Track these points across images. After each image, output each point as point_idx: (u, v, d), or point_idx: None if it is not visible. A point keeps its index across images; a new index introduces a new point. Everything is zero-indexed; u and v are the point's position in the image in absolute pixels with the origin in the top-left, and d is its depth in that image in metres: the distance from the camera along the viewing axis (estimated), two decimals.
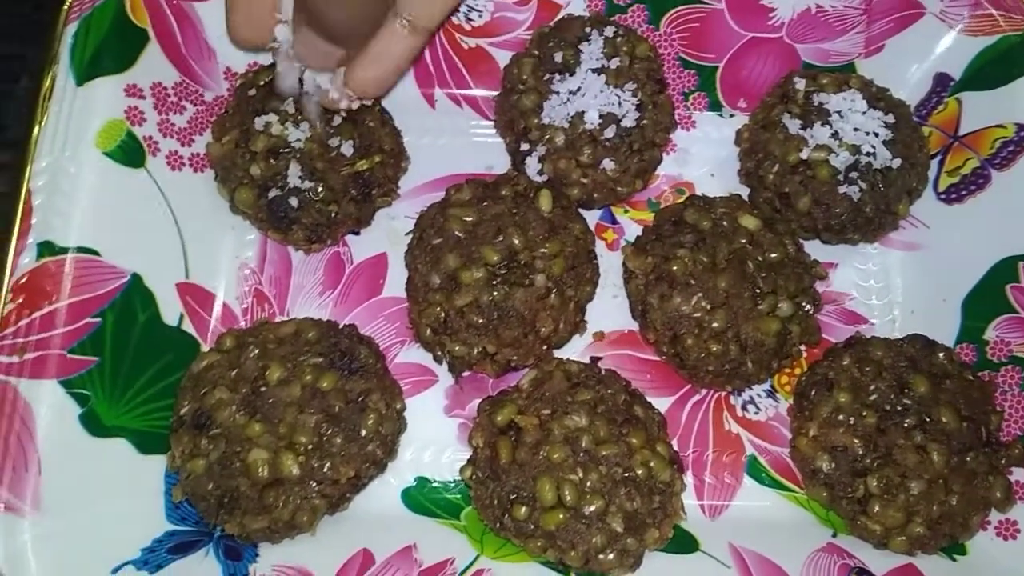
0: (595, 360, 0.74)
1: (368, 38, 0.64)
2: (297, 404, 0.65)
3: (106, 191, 0.69)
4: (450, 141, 0.83)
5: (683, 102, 0.84)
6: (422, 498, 0.71)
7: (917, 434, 0.66)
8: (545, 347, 0.72)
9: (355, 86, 0.65)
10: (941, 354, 0.70)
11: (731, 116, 0.85)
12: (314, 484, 0.64)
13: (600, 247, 0.79)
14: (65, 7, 0.71)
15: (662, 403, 0.74)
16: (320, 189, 0.71)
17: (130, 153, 0.71)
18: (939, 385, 0.68)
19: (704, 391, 0.75)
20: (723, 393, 0.75)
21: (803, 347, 0.74)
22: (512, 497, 0.64)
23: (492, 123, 0.82)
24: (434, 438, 0.73)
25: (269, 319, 0.75)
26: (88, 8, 0.71)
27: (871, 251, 0.80)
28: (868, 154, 0.74)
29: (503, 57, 0.81)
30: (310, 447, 0.64)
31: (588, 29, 0.77)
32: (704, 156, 0.84)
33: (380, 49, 0.63)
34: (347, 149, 0.72)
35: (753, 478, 0.73)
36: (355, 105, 0.68)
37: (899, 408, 0.67)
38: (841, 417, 0.68)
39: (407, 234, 0.75)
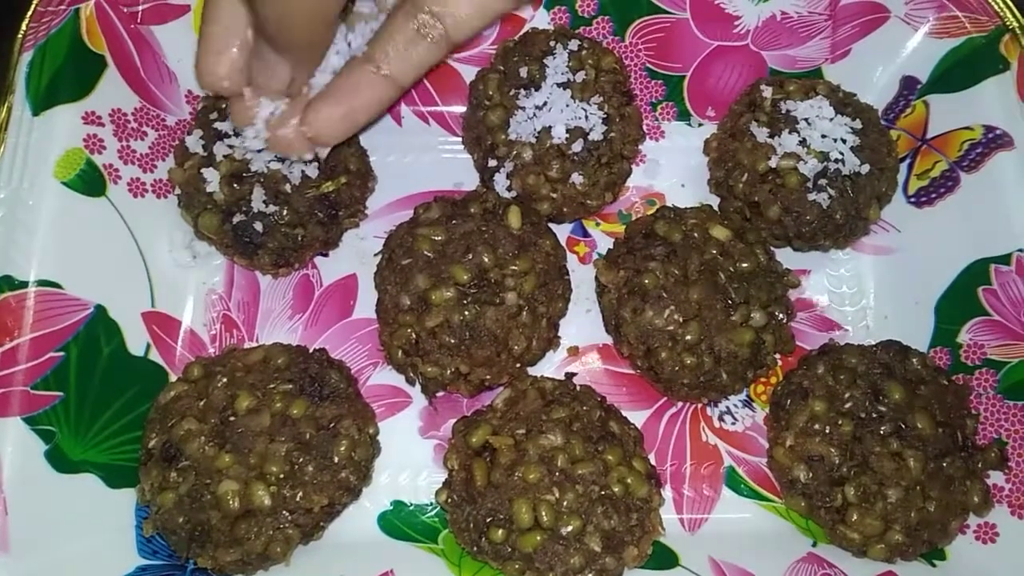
0: (570, 376, 0.73)
1: (316, 47, 0.62)
2: (267, 433, 0.64)
3: (66, 222, 0.68)
4: (418, 159, 0.82)
5: (651, 112, 0.84)
6: (399, 522, 0.70)
7: (893, 441, 0.66)
8: (519, 365, 0.72)
9: (314, 125, 0.62)
10: (915, 359, 0.70)
11: (700, 125, 0.85)
12: (287, 514, 0.63)
13: (572, 261, 0.79)
14: (20, 36, 0.70)
15: (639, 416, 0.74)
16: (285, 212, 0.71)
17: (90, 182, 0.70)
18: (914, 391, 0.68)
19: (680, 403, 0.75)
20: (700, 405, 0.75)
21: (778, 356, 0.74)
22: (488, 520, 0.63)
23: (460, 139, 0.81)
24: (410, 461, 0.72)
25: (238, 345, 0.74)
26: (43, 36, 0.70)
27: (843, 257, 0.80)
28: (836, 160, 0.73)
29: (469, 73, 0.80)
30: (281, 476, 0.63)
31: (552, 43, 0.76)
32: (674, 166, 0.83)
33: (344, 86, 0.61)
34: (312, 171, 0.71)
35: (732, 489, 0.72)
36: (307, 155, 0.67)
37: (874, 415, 0.67)
38: (817, 426, 0.67)
39: (376, 254, 0.74)
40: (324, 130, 0.62)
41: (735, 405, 0.75)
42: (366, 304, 0.75)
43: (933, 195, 0.77)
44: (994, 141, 0.74)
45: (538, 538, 0.62)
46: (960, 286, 0.73)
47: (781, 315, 0.72)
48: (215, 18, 0.61)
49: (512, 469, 0.64)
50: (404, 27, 0.58)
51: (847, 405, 0.68)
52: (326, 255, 0.78)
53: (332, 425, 0.66)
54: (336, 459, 0.65)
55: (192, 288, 0.76)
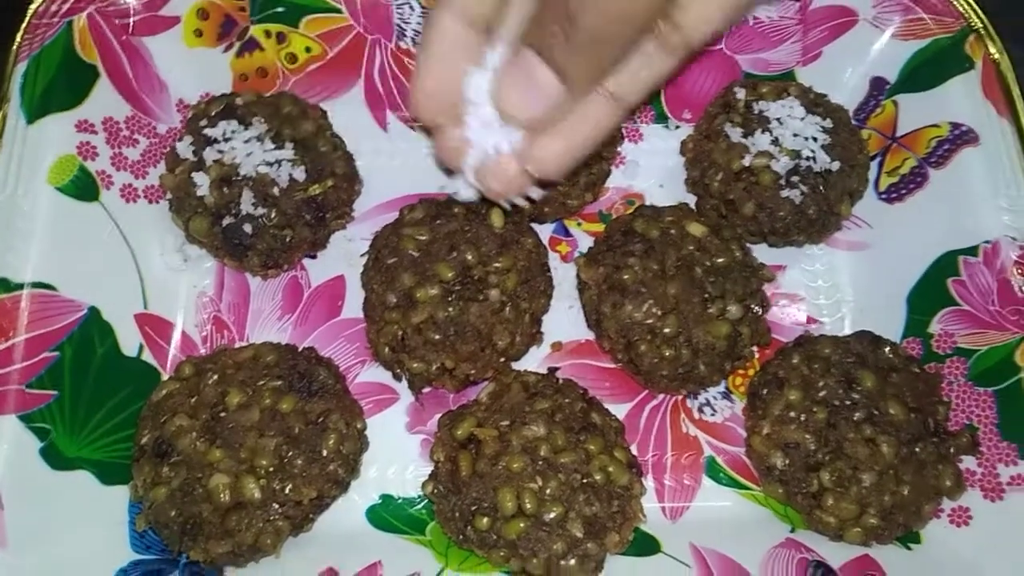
0: (552, 371, 0.75)
1: (618, 59, 0.51)
2: (257, 428, 0.66)
3: (60, 226, 0.70)
4: (403, 162, 0.84)
5: (630, 116, 0.86)
6: (387, 515, 0.71)
7: (867, 427, 0.68)
8: (503, 360, 0.73)
9: (542, 162, 0.55)
10: (887, 349, 0.72)
11: (677, 127, 0.87)
12: (276, 506, 0.65)
13: (554, 259, 0.81)
14: (14, 47, 0.72)
15: (620, 409, 0.75)
16: (273, 215, 0.72)
17: (83, 188, 0.72)
18: (886, 379, 0.70)
19: (661, 396, 0.76)
20: (679, 397, 0.76)
21: (755, 348, 0.76)
22: (473, 509, 0.65)
23: None
24: (397, 455, 0.74)
25: (228, 345, 0.75)
26: (37, 47, 0.72)
27: (818, 252, 0.82)
28: (808, 158, 0.76)
29: None
30: (271, 470, 0.65)
31: None
32: (652, 167, 0.85)
33: (576, 119, 0.53)
34: (299, 174, 0.73)
35: (712, 478, 0.74)
36: (534, 194, 0.61)
37: (848, 403, 0.69)
38: (792, 414, 0.69)
39: (362, 255, 0.76)
40: (552, 167, 0.56)
41: (714, 397, 0.77)
42: (354, 304, 0.77)
43: (903, 191, 0.80)
44: (960, 137, 0.76)
45: (522, 525, 0.63)
46: (930, 278, 0.75)
47: (757, 308, 0.74)
48: (437, 40, 0.53)
49: (496, 459, 0.65)
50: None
51: (821, 393, 0.70)
52: (314, 257, 0.79)
53: (320, 420, 0.68)
54: (324, 453, 0.67)
55: (183, 290, 0.78)
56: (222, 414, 0.67)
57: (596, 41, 0.47)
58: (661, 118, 0.87)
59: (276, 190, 0.73)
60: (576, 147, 0.55)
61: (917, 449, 0.68)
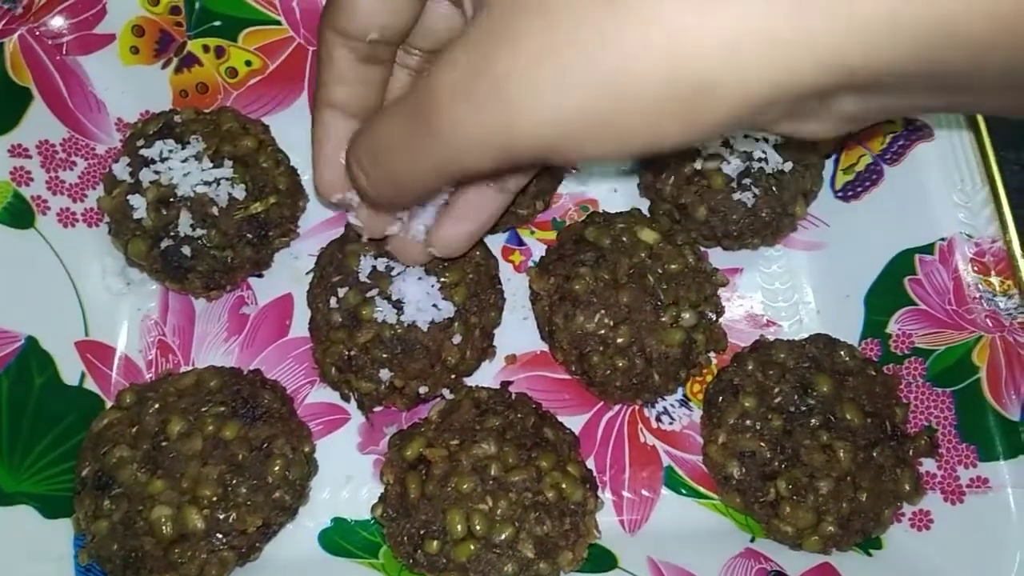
0: (505, 385, 0.74)
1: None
2: (199, 456, 0.64)
3: None
4: None
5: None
6: (339, 539, 0.70)
7: (823, 433, 0.66)
8: (454, 376, 0.72)
9: (442, 246, 0.63)
10: (843, 351, 0.71)
11: None
12: (221, 536, 0.63)
13: (508, 270, 0.80)
14: None
15: (577, 421, 0.74)
16: (213, 235, 0.71)
17: (17, 214, 0.70)
18: (842, 383, 0.69)
19: (617, 406, 0.75)
20: (637, 407, 0.75)
21: (713, 355, 0.75)
22: (422, 532, 0.63)
23: None
24: (350, 477, 0.72)
25: (174, 370, 0.74)
26: None
27: (775, 254, 0.81)
28: (759, 159, 0.74)
29: None
30: (215, 499, 0.63)
31: None
32: (606, 172, 0.84)
33: (468, 205, 0.61)
34: (239, 193, 0.72)
35: (671, 489, 0.73)
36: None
37: (804, 409, 0.68)
38: (748, 422, 0.68)
39: (307, 273, 0.74)
40: (452, 249, 0.64)
41: (672, 405, 0.76)
42: (302, 323, 0.75)
43: (859, 189, 0.78)
44: (914, 132, 0.75)
45: (472, 547, 0.62)
46: (887, 277, 0.74)
47: (711, 314, 0.73)
48: (324, 136, 0.60)
49: (445, 480, 0.64)
50: None
51: (777, 400, 0.68)
52: (261, 275, 0.78)
53: (265, 445, 0.66)
54: (270, 479, 0.65)
55: (126, 315, 0.76)
56: (163, 443, 0.65)
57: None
58: None
59: (215, 210, 0.71)
60: (477, 232, 0.63)
61: (875, 454, 0.66)
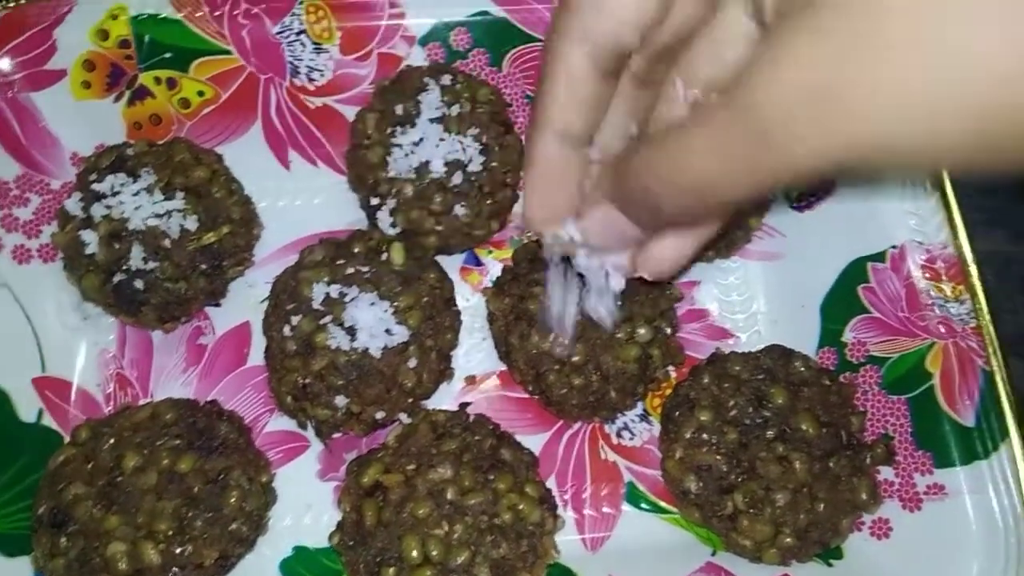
0: (464, 406, 0.74)
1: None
2: (155, 491, 0.64)
3: None
4: (308, 201, 0.82)
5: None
6: (301, 568, 0.70)
7: (778, 445, 0.66)
8: (411, 400, 0.72)
9: (653, 268, 0.54)
10: (798, 362, 0.71)
11: None
12: (177, 571, 0.63)
13: (466, 290, 0.80)
14: None
15: (538, 440, 0.74)
16: (166, 267, 0.71)
17: None
18: (797, 394, 0.69)
19: (578, 423, 0.75)
20: (597, 423, 0.75)
21: (671, 369, 0.75)
22: (379, 559, 0.63)
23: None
24: (311, 504, 0.72)
25: (132, 404, 0.74)
26: None
27: (732, 265, 0.81)
28: None
29: (351, 113, 0.81)
30: (170, 533, 0.63)
31: (426, 79, 0.77)
32: None
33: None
34: (191, 224, 0.72)
35: (632, 505, 0.73)
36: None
37: (759, 421, 0.68)
38: (705, 436, 0.68)
39: (262, 301, 0.74)
40: (667, 272, 0.54)
41: (632, 420, 0.76)
42: (259, 352, 0.75)
43: (813, 199, 0.78)
44: None
45: (428, 573, 0.62)
46: (842, 286, 0.74)
47: (667, 328, 0.73)
48: (540, 162, 0.51)
49: (402, 506, 0.64)
50: None
51: (732, 413, 0.68)
52: (218, 305, 0.78)
53: (221, 477, 0.66)
54: (226, 511, 0.65)
55: (84, 349, 0.76)
56: (119, 479, 0.65)
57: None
58: None
59: (167, 242, 0.71)
60: (687, 253, 0.53)
61: (831, 464, 0.66)
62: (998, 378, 0.67)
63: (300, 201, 0.83)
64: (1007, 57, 0.31)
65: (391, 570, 0.63)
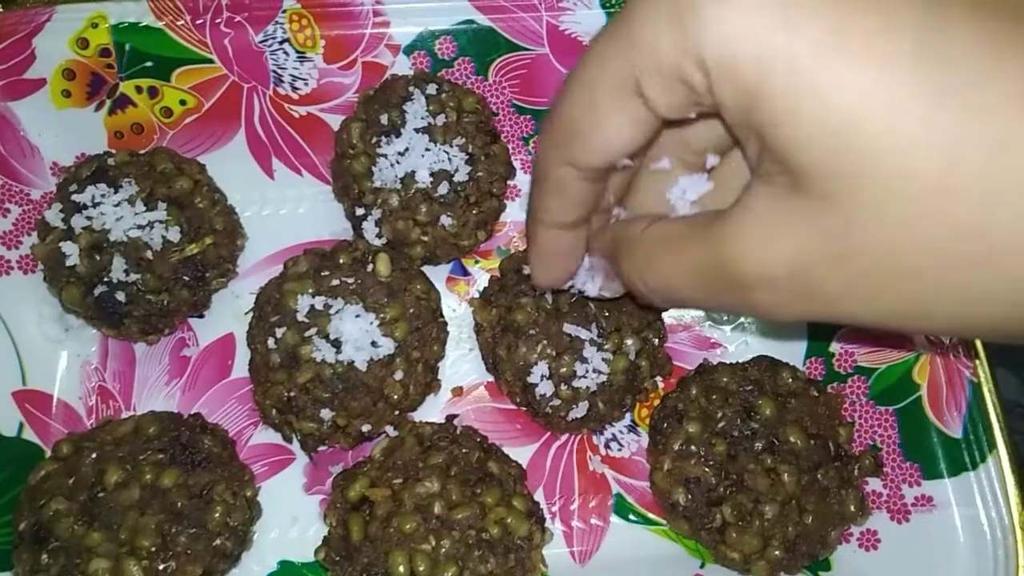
0: (451, 418, 0.74)
1: None
2: (137, 506, 0.64)
3: None
4: (292, 211, 0.81)
5: (524, 147, 0.84)
6: None
7: (767, 457, 0.66)
8: (398, 412, 0.71)
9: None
10: (786, 373, 0.71)
11: None
12: None
13: (453, 300, 0.79)
14: None
15: (525, 452, 0.74)
16: (148, 279, 0.70)
17: None
18: (785, 405, 0.69)
19: (566, 435, 0.75)
20: (585, 434, 0.75)
21: (659, 379, 0.74)
22: (365, 575, 0.63)
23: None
24: (297, 518, 0.72)
25: (114, 417, 0.73)
26: None
27: None
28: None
29: (335, 122, 0.80)
30: (153, 549, 0.63)
31: (411, 88, 0.77)
32: None
33: None
34: (174, 235, 0.71)
35: (620, 516, 0.72)
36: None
37: (747, 433, 0.67)
38: (693, 448, 0.68)
39: (247, 312, 0.73)
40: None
41: (620, 431, 0.75)
42: (244, 364, 0.74)
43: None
44: None
45: None
46: None
47: (655, 339, 0.73)
48: (549, 250, 0.53)
49: (388, 521, 0.63)
50: None
51: (720, 424, 0.68)
52: (202, 316, 0.77)
53: (205, 492, 0.65)
54: (210, 526, 0.64)
55: (65, 362, 0.75)
56: (100, 494, 0.64)
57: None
58: None
59: (149, 253, 0.70)
60: None
61: (819, 475, 0.66)
62: (985, 389, 0.67)
63: (284, 211, 0.82)
64: None
65: None
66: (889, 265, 0.32)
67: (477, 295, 0.78)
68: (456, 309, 0.79)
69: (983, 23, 0.30)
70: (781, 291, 0.36)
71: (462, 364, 0.77)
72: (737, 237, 0.36)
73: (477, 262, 0.82)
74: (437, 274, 0.78)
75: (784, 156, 0.33)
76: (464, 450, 0.68)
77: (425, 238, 0.76)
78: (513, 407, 0.75)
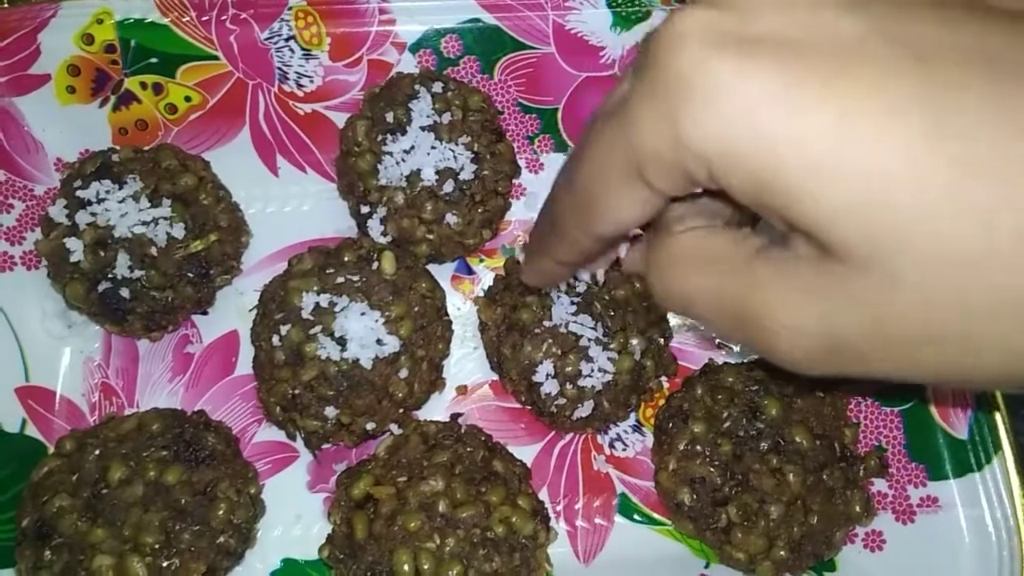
0: (455, 417, 0.73)
1: None
2: (141, 503, 0.63)
3: None
4: (296, 208, 0.81)
5: (529, 146, 0.84)
6: None
7: (772, 457, 0.66)
8: (402, 410, 0.71)
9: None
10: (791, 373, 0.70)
11: None
12: None
13: (458, 299, 0.79)
14: None
15: (530, 450, 0.73)
16: (152, 276, 0.70)
17: None
18: (791, 405, 0.68)
19: (570, 434, 0.74)
20: (589, 433, 0.74)
21: (664, 379, 0.74)
22: (370, 573, 0.62)
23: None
24: (300, 516, 0.71)
25: (117, 414, 0.72)
26: None
27: None
28: None
29: (340, 119, 0.80)
30: (157, 546, 0.62)
31: (417, 86, 0.76)
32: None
33: None
34: (178, 231, 0.71)
35: (625, 516, 0.72)
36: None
37: (753, 433, 0.67)
38: (698, 448, 0.68)
39: (251, 310, 0.73)
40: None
41: (625, 431, 0.75)
42: (248, 360, 0.74)
43: None
44: None
45: None
46: None
47: (660, 339, 0.73)
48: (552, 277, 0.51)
49: (393, 519, 0.63)
50: None
51: (726, 425, 0.68)
52: (206, 313, 0.77)
53: (209, 489, 0.65)
54: (214, 523, 0.64)
55: (68, 358, 0.75)
56: (104, 491, 0.64)
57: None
58: (561, 147, 0.85)
59: (154, 250, 0.70)
60: None
61: (825, 476, 0.66)
62: (991, 391, 0.66)
63: (288, 208, 0.82)
64: None
65: None
66: (926, 330, 0.32)
67: (482, 294, 0.77)
68: (460, 308, 0.79)
69: (994, 89, 0.30)
70: (813, 350, 0.35)
71: (466, 363, 0.77)
72: (770, 288, 0.35)
73: (482, 261, 0.81)
74: (442, 272, 0.78)
75: (809, 231, 0.33)
76: (469, 449, 0.68)
77: (430, 236, 0.76)
78: (517, 406, 0.75)
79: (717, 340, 0.76)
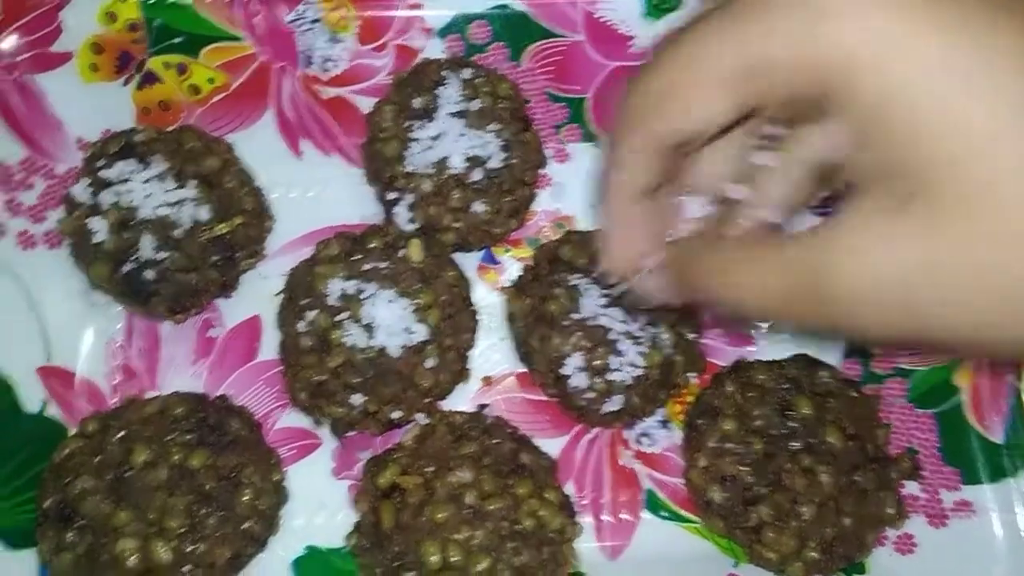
0: (481, 408, 0.72)
1: None
2: (166, 487, 0.63)
3: None
4: (319, 193, 0.80)
5: (555, 136, 0.83)
6: (314, 568, 0.68)
7: (804, 457, 0.65)
8: (428, 400, 0.70)
9: None
10: (824, 372, 0.70)
11: None
12: (188, 569, 0.61)
13: (484, 289, 0.78)
14: None
15: (555, 444, 0.72)
16: (177, 258, 0.69)
17: None
18: (823, 405, 0.67)
19: (597, 428, 0.74)
20: (616, 428, 0.74)
21: (693, 375, 0.73)
22: (396, 564, 0.62)
23: (363, 170, 0.80)
24: (324, 503, 0.70)
25: (139, 396, 0.71)
26: None
27: None
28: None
29: (366, 104, 0.79)
30: (182, 531, 0.61)
31: (444, 72, 0.75)
32: (582, 188, 0.82)
33: None
34: (204, 214, 0.70)
35: (652, 512, 0.71)
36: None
37: (785, 432, 0.66)
38: (729, 445, 0.67)
39: (277, 294, 0.72)
40: None
41: (652, 426, 0.74)
42: (271, 346, 0.73)
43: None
44: None
45: None
46: None
47: (690, 333, 0.72)
48: (624, 223, 0.49)
49: (420, 509, 0.62)
50: None
51: (757, 423, 0.67)
52: (229, 297, 0.75)
53: (233, 475, 0.64)
54: (239, 509, 0.63)
55: (90, 338, 0.73)
56: (128, 473, 0.63)
57: None
58: (589, 137, 0.84)
59: (179, 232, 0.69)
60: None
61: (857, 477, 0.65)
62: None
63: (312, 193, 0.80)
64: None
65: (410, 574, 0.61)
66: (1007, 279, 0.32)
67: (508, 284, 0.76)
68: (486, 298, 0.77)
69: None
70: (890, 306, 0.34)
71: (492, 354, 0.76)
72: (849, 250, 0.35)
73: (507, 251, 0.80)
74: (467, 262, 0.77)
75: (911, 171, 0.32)
76: (496, 440, 0.67)
77: (457, 224, 0.74)
78: (542, 398, 0.74)
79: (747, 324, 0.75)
